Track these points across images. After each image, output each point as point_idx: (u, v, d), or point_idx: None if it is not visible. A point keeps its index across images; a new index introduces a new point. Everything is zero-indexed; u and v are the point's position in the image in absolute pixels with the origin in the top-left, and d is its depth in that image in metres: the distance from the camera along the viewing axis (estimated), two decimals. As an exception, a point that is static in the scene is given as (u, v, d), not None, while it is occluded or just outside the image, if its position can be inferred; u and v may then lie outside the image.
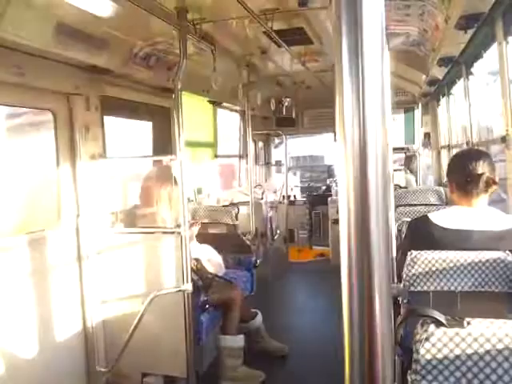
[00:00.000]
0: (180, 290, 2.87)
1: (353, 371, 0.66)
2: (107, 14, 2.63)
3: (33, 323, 2.64)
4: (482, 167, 2.05)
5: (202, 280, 3.22)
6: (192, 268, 3.02)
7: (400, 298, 2.03)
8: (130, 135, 4.21)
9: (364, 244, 0.64)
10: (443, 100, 5.55)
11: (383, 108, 0.63)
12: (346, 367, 0.67)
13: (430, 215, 2.14)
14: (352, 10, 0.62)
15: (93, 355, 3.04)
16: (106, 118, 3.25)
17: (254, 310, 3.86)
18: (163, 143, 4.04)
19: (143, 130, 4.15)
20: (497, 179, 2.08)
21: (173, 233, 2.94)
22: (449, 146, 5.45)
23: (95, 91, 3.05)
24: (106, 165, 3.24)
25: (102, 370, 3.03)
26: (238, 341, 3.37)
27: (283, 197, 7.40)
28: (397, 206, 3.77)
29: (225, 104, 5.72)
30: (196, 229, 3.60)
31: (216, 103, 5.56)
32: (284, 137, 7.35)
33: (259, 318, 3.85)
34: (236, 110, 6.30)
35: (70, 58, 2.72)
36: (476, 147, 3.87)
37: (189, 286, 2.88)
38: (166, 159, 3.22)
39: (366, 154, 0.63)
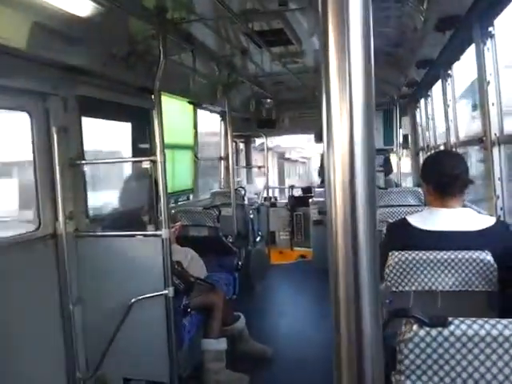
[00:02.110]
0: (161, 294, 2.84)
1: (342, 373, 0.65)
2: (85, 13, 2.59)
3: (8, 328, 2.56)
4: (457, 168, 2.08)
5: (184, 283, 3.18)
6: (173, 271, 2.99)
7: (382, 299, 2.04)
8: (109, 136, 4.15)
9: (351, 245, 0.63)
10: (422, 101, 5.63)
11: (370, 108, 0.63)
12: (334, 369, 0.66)
13: (408, 218, 2.16)
14: (339, 7, 0.61)
15: (73, 361, 2.98)
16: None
17: (236, 313, 3.84)
18: (143, 145, 3.99)
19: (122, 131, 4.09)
20: None
21: (153, 236, 2.90)
22: (427, 147, 5.53)
23: (73, 91, 2.99)
24: (84, 167, 3.17)
25: (83, 376, 2.97)
26: (221, 344, 3.34)
27: (264, 198, 7.41)
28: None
29: (205, 105, 5.69)
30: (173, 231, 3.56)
31: (196, 104, 5.52)
32: (265, 138, 7.36)
33: (242, 320, 3.83)
34: (216, 111, 6.28)
35: (47, 58, 2.66)
36: (454, 149, 3.93)
37: (170, 290, 2.84)
38: (146, 161, 3.18)
39: (353, 154, 0.62)
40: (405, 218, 2.17)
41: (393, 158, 7.00)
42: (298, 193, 8.24)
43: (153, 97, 2.95)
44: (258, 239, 6.02)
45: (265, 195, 7.58)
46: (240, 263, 4.32)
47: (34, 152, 2.82)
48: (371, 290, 0.64)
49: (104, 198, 3.96)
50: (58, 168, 2.87)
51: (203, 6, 3.01)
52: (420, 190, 4.55)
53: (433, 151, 5.03)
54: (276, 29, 3.61)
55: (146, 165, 3.26)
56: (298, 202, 7.52)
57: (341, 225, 0.63)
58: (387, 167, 7.00)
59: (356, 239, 0.63)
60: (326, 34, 0.62)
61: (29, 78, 2.66)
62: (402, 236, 2.13)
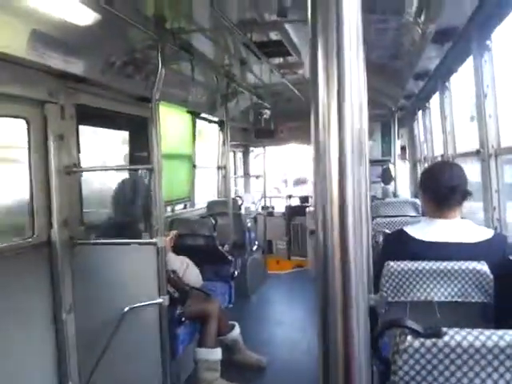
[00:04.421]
0: (156, 303, 2.82)
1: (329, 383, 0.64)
2: (84, 21, 2.60)
3: None
4: (456, 179, 2.07)
5: (179, 292, 3.16)
6: (168, 280, 2.97)
7: (377, 309, 2.03)
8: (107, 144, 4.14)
9: (342, 254, 0.63)
10: (419, 113, 5.66)
11: (361, 120, 0.63)
12: (321, 379, 0.65)
13: (405, 228, 2.15)
14: (328, 19, 0.61)
15: (65, 370, 2.94)
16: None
17: (231, 322, 3.82)
18: (140, 153, 3.98)
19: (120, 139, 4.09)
20: None
21: (148, 244, 2.89)
22: (424, 158, 5.55)
23: (70, 99, 2.99)
24: (80, 175, 3.17)
25: None
26: (216, 353, 3.31)
27: (261, 208, 7.41)
28: (374, 217, 3.80)
29: (203, 115, 5.70)
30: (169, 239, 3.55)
31: (195, 114, 5.53)
32: (263, 148, 7.38)
33: (237, 330, 3.80)
34: (215, 121, 6.29)
35: (45, 66, 2.66)
36: (451, 160, 3.94)
37: (165, 299, 2.82)
38: (142, 169, 3.17)
39: (343, 165, 0.62)
40: (402, 229, 2.17)
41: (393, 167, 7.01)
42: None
43: (151, 106, 2.95)
44: (254, 248, 6.01)
45: (262, 204, 7.58)
46: (236, 272, 4.30)
47: (30, 159, 2.81)
48: (359, 301, 0.63)
49: (99, 206, 3.94)
50: (53, 175, 2.86)
51: (202, 16, 3.03)
52: (417, 200, 4.56)
53: (430, 163, 5.04)
54: (275, 40, 3.63)
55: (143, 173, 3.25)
56: (295, 212, 7.52)
57: (331, 233, 0.63)
58: (386, 177, 7.00)
59: (346, 247, 0.63)
60: (315, 43, 0.62)
61: (27, 86, 2.66)
62: (399, 246, 2.12)
